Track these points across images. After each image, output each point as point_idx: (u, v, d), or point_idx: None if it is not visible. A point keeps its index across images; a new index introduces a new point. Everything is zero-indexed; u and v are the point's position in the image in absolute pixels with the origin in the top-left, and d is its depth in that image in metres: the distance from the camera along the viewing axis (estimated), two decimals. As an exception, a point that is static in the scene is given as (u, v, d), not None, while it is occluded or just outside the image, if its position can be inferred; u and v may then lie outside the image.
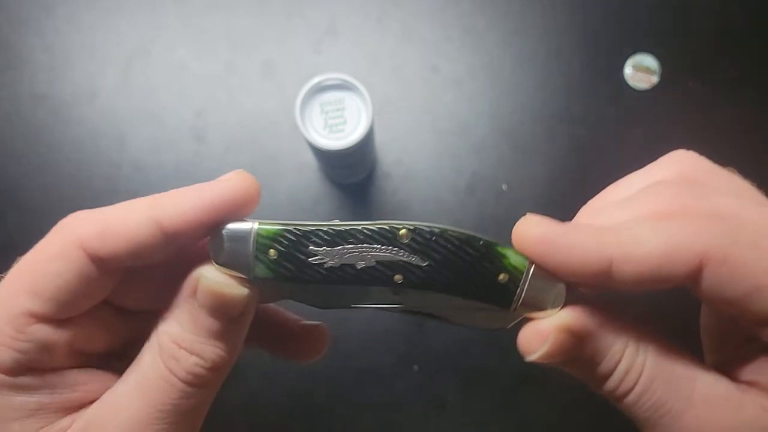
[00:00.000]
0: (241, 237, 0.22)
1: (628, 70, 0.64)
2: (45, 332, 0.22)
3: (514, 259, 0.22)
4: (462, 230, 0.22)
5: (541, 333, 0.21)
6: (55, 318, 0.22)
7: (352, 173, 0.61)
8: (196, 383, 0.22)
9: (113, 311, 0.24)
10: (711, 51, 0.65)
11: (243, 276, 0.22)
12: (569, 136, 0.64)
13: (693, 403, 0.20)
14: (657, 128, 0.63)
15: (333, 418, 0.58)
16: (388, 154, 0.63)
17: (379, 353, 0.59)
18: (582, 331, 0.21)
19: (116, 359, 0.25)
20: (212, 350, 0.22)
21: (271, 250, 0.22)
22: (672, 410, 0.20)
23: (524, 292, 0.22)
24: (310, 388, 0.59)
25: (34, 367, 0.22)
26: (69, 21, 0.66)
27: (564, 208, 0.65)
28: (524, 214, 0.22)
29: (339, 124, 0.52)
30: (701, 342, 0.25)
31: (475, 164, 0.63)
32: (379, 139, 0.63)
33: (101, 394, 0.23)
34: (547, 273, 0.21)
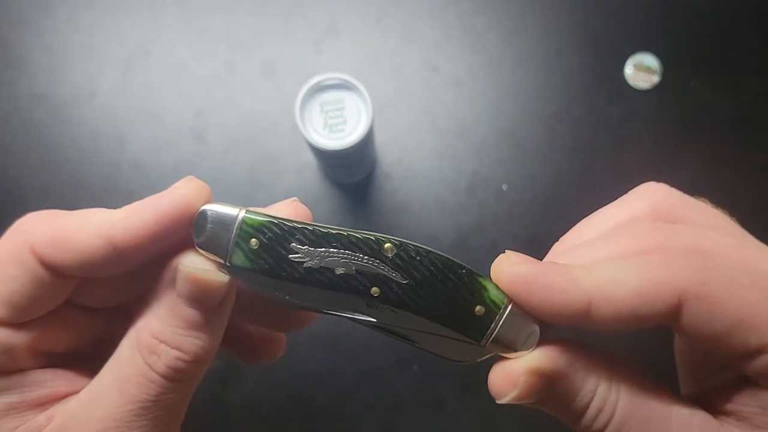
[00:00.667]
0: (225, 221, 0.22)
1: (628, 70, 0.64)
2: (3, 335, 0.22)
3: (493, 293, 0.21)
4: (447, 256, 0.21)
5: (511, 376, 0.21)
6: (13, 322, 0.22)
7: (352, 173, 0.61)
8: (176, 377, 0.22)
9: (77, 310, 0.24)
10: (712, 51, 0.65)
11: (220, 260, 0.22)
12: (569, 136, 0.64)
13: None
14: (657, 128, 0.63)
15: (332, 418, 0.58)
16: (388, 154, 0.63)
17: (379, 353, 0.59)
18: (552, 373, 0.21)
19: (87, 359, 0.25)
20: (193, 341, 0.22)
21: (253, 240, 0.22)
22: None
23: (498, 329, 0.21)
24: (310, 389, 0.59)
25: None
26: (68, 21, 0.66)
27: (564, 208, 0.65)
28: (503, 252, 0.22)
29: (339, 124, 0.51)
30: (675, 369, 0.25)
31: (475, 164, 0.63)
32: (379, 139, 0.63)
33: (72, 390, 0.23)
34: (524, 312, 0.21)
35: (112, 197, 0.61)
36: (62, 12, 0.67)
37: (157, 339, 0.22)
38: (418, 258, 0.21)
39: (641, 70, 0.64)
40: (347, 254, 0.21)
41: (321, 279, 0.22)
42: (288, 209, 0.23)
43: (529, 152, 0.63)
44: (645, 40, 0.65)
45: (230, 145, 0.63)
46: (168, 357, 0.22)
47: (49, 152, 0.63)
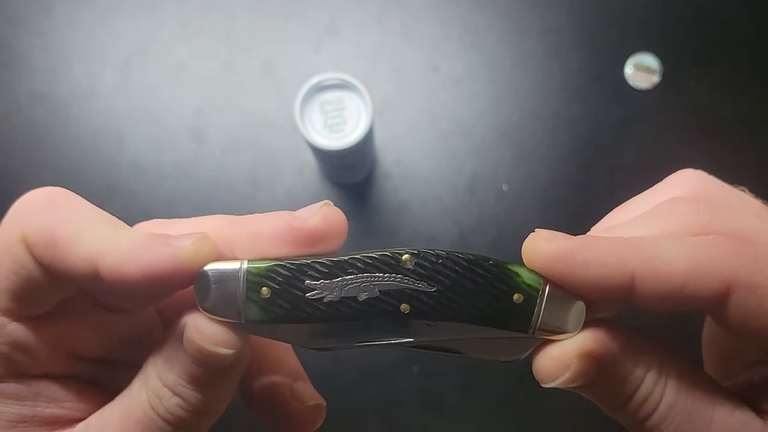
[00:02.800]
0: (228, 277, 0.20)
1: (628, 70, 0.64)
2: (21, 331, 0.20)
3: (527, 276, 0.20)
4: (469, 253, 0.20)
5: (562, 359, 0.20)
6: (24, 314, 0.21)
7: (351, 173, 0.61)
8: (177, 424, 0.21)
9: (102, 309, 0.23)
10: (712, 51, 0.65)
11: (233, 321, 0.20)
12: (569, 136, 0.64)
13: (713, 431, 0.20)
14: (657, 128, 0.63)
15: (333, 418, 0.58)
16: (388, 154, 0.63)
17: (379, 353, 0.59)
18: (605, 357, 0.20)
19: (121, 367, 0.24)
20: (195, 396, 0.20)
21: (264, 288, 0.20)
22: None
23: (542, 313, 0.20)
24: (310, 389, 0.59)
25: (16, 371, 0.21)
26: (68, 20, 0.66)
27: (564, 208, 0.65)
28: (534, 231, 0.21)
29: (339, 123, 0.51)
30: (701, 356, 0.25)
31: (475, 164, 0.63)
32: (379, 139, 0.63)
33: (88, 415, 0.22)
34: (564, 291, 0.20)
35: (112, 196, 0.61)
36: (62, 12, 0.66)
37: (161, 381, 0.21)
38: (440, 261, 0.20)
39: (641, 70, 0.64)
40: (366, 277, 0.20)
41: (345, 310, 0.20)
42: (315, 218, 0.21)
43: (529, 152, 0.63)
44: (645, 40, 0.65)
45: (230, 144, 0.63)
46: (169, 403, 0.20)
47: (48, 152, 0.63)
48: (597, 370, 0.20)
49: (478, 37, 0.66)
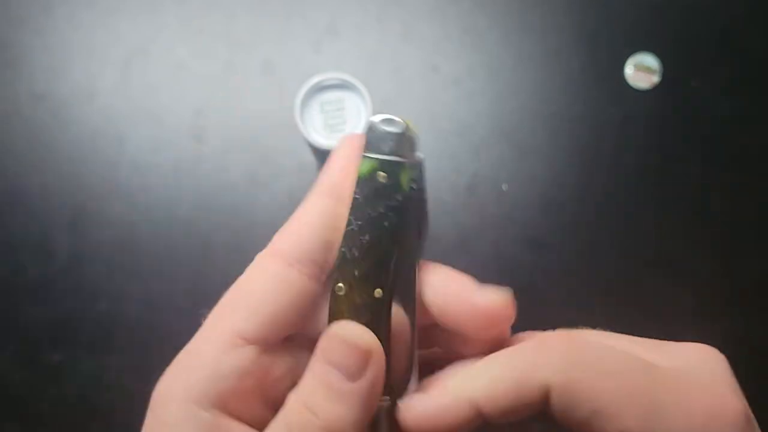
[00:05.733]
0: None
1: (628, 70, 0.64)
2: (250, 356, 0.21)
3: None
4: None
5: None
6: (262, 338, 0.21)
7: (351, 173, 0.61)
8: None
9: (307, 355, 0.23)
10: (712, 51, 0.65)
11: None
12: (569, 136, 0.64)
13: None
14: (657, 128, 0.63)
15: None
16: (388, 154, 0.63)
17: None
18: None
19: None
20: (333, 409, 0.21)
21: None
22: None
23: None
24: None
25: (220, 402, 0.20)
26: (68, 20, 0.66)
27: (564, 208, 0.65)
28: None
29: (339, 124, 0.51)
30: None
31: (475, 164, 0.63)
32: (379, 139, 0.63)
33: None
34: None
35: (112, 196, 0.61)
36: (62, 11, 0.66)
37: (298, 402, 0.21)
38: None
39: (641, 70, 0.64)
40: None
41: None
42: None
43: (529, 152, 0.63)
44: (645, 40, 0.65)
45: (230, 145, 0.63)
46: (299, 418, 0.21)
47: (48, 152, 0.63)
48: None
49: (478, 37, 0.66)
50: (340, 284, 0.22)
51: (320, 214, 0.22)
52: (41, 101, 0.64)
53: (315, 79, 0.51)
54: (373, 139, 0.23)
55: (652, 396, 0.20)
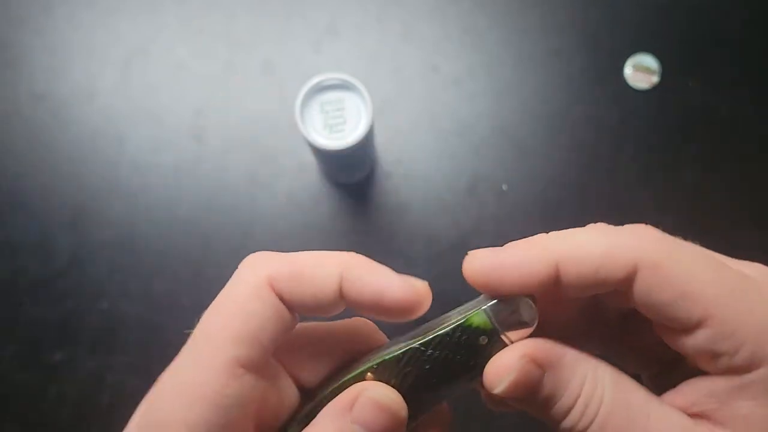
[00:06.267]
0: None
1: (628, 70, 0.64)
2: (250, 383, 0.21)
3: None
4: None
5: (507, 363, 0.21)
6: (259, 364, 0.21)
7: (352, 173, 0.61)
8: None
9: (291, 383, 0.23)
10: (711, 51, 0.65)
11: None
12: (569, 136, 0.64)
13: None
14: (657, 128, 0.63)
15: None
16: (388, 154, 0.63)
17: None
18: (545, 361, 0.21)
19: None
20: None
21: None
22: None
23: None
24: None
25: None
26: (68, 20, 0.66)
27: (564, 208, 0.65)
28: (467, 254, 0.22)
29: (339, 124, 0.51)
30: None
31: (475, 164, 0.63)
32: (379, 139, 0.63)
33: None
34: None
35: (112, 197, 0.61)
36: (62, 12, 0.66)
37: None
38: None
39: (640, 71, 0.64)
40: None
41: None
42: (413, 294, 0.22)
43: (529, 152, 0.63)
44: (644, 40, 0.65)
45: (230, 145, 0.63)
46: None
47: (48, 152, 0.63)
48: (539, 375, 0.21)
49: (478, 37, 0.66)
50: (371, 375, 0.22)
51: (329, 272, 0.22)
52: (41, 101, 0.64)
53: (315, 79, 0.51)
54: (506, 307, 0.22)
55: (737, 285, 0.20)
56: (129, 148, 0.63)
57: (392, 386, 0.22)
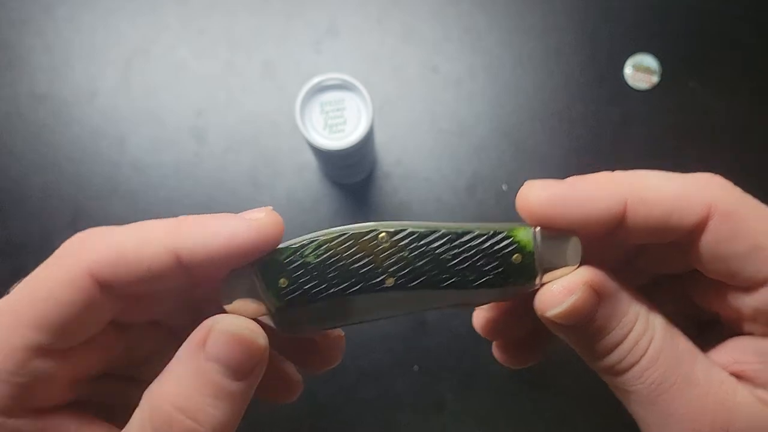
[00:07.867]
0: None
1: (628, 70, 0.64)
2: (47, 365, 0.20)
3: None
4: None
5: (570, 287, 0.20)
6: (59, 349, 0.20)
7: (352, 173, 0.61)
8: None
9: (113, 328, 0.22)
10: (711, 51, 0.65)
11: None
12: (569, 136, 0.64)
13: (694, 382, 0.20)
14: (657, 128, 0.63)
15: (333, 417, 0.58)
16: (388, 154, 0.63)
17: (379, 353, 0.59)
18: (604, 290, 0.20)
19: (115, 379, 0.23)
20: (213, 413, 0.19)
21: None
22: (674, 387, 0.20)
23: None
24: (311, 388, 0.59)
25: (32, 405, 0.20)
26: (69, 21, 0.66)
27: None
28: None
29: (339, 124, 0.52)
30: None
31: (475, 164, 0.63)
32: (379, 139, 0.63)
33: None
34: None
35: (113, 197, 0.61)
36: (63, 12, 0.67)
37: (175, 407, 0.19)
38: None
39: (640, 71, 0.64)
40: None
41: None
42: (262, 224, 0.21)
43: (529, 152, 0.63)
44: (644, 40, 0.65)
45: (230, 145, 0.63)
46: (180, 428, 0.19)
47: (49, 152, 0.63)
48: (596, 303, 0.20)
49: (478, 37, 0.66)
50: (383, 234, 0.21)
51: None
52: (42, 102, 0.65)
53: (315, 80, 0.51)
54: (555, 240, 0.21)
55: None
56: (129, 148, 0.63)
57: (402, 258, 0.21)
